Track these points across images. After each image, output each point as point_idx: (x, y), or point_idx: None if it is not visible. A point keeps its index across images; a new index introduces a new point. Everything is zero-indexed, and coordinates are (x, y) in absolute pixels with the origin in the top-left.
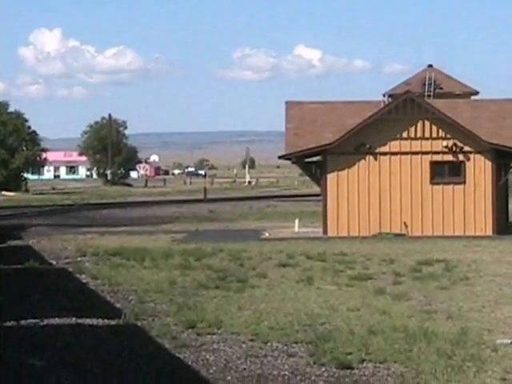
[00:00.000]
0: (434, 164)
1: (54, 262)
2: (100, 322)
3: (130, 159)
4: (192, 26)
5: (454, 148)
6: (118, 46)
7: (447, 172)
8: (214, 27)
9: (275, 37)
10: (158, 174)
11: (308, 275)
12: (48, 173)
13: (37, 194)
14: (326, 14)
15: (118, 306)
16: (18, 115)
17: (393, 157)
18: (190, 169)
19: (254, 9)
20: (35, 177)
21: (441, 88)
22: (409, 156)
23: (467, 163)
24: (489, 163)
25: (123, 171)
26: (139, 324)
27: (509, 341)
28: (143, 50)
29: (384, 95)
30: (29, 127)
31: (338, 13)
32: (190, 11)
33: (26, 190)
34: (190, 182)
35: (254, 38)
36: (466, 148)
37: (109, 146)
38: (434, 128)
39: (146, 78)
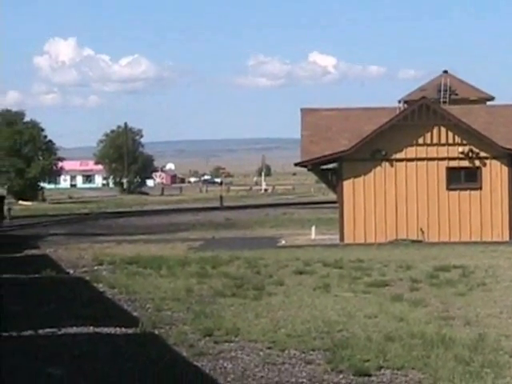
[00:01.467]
0: (450, 170)
1: (71, 271)
2: (117, 330)
3: (146, 167)
4: (206, 33)
5: (470, 154)
6: (133, 54)
7: (463, 178)
8: (228, 35)
9: (289, 44)
10: (174, 182)
11: (325, 282)
12: (64, 182)
13: (53, 203)
14: (339, 20)
15: (135, 314)
16: (34, 124)
17: (409, 163)
18: (206, 177)
19: (267, 16)
20: (52, 186)
21: (456, 94)
22: (425, 162)
23: (483, 169)
24: (505, 168)
25: (139, 180)
26: (156, 332)
27: None
28: (158, 59)
29: (399, 101)
30: (45, 136)
31: (352, 19)
32: (204, 19)
33: (43, 200)
34: (206, 190)
35: (268, 45)
36: (482, 154)
37: (125, 155)
38: (450, 134)
39: (161, 86)
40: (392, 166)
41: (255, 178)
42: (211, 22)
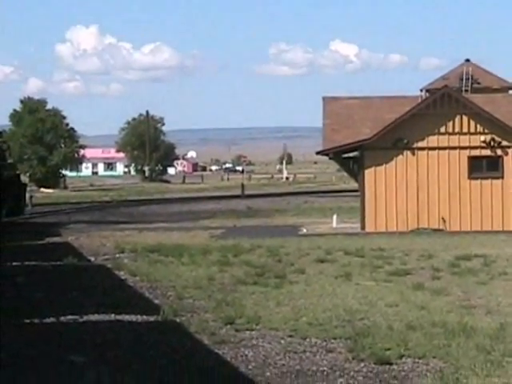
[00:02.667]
0: (471, 159)
1: (93, 259)
2: (139, 318)
3: (168, 155)
4: (228, 21)
5: (491, 143)
6: (155, 42)
7: (485, 167)
8: (249, 22)
9: (311, 32)
10: (196, 171)
11: (346, 271)
12: (86, 170)
13: (75, 190)
14: (361, 8)
15: (156, 302)
16: (56, 112)
17: (430, 152)
18: (228, 165)
19: (288, 4)
20: (73, 174)
21: (478, 83)
22: (447, 151)
23: (505, 158)
24: None
25: (161, 167)
26: (178, 320)
27: None
28: (180, 47)
29: (421, 90)
30: (67, 124)
31: (374, 7)
32: (225, 7)
33: (65, 187)
34: (228, 178)
35: (290, 34)
36: (504, 143)
37: (146, 143)
38: (472, 123)
39: (183, 74)
40: (414, 154)
41: (278, 166)
42: (233, 10)
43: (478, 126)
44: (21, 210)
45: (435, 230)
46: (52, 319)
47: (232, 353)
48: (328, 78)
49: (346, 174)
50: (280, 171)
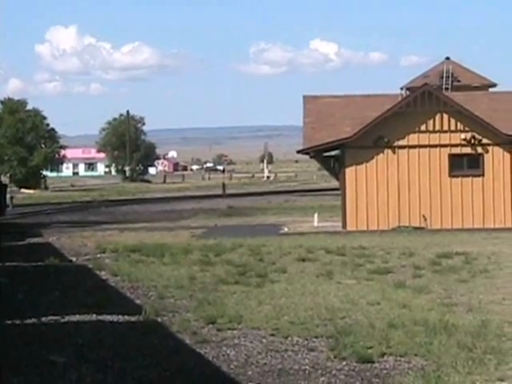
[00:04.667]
0: (452, 157)
1: (74, 259)
2: (120, 318)
3: (149, 155)
4: (208, 20)
5: (472, 140)
6: (134, 42)
7: (466, 164)
8: (229, 22)
9: (290, 31)
10: (177, 170)
11: (327, 269)
12: (67, 170)
13: (56, 191)
14: (340, 7)
15: (138, 302)
16: (37, 113)
17: (411, 150)
18: (209, 164)
19: (268, 3)
20: (54, 174)
21: (458, 81)
22: (427, 149)
23: (486, 155)
24: (507, 155)
25: (142, 167)
26: (159, 320)
27: None
28: (159, 46)
29: (402, 88)
30: (47, 124)
31: (353, 6)
32: (205, 6)
33: (45, 188)
34: (209, 178)
35: (269, 33)
36: (485, 140)
37: (127, 143)
38: (453, 121)
39: (163, 73)
40: (394, 153)
41: (261, 165)
42: (212, 9)
43: (459, 123)
44: (1, 211)
45: (416, 228)
46: (33, 320)
47: (214, 352)
48: (308, 76)
49: (327, 172)
50: (263, 170)
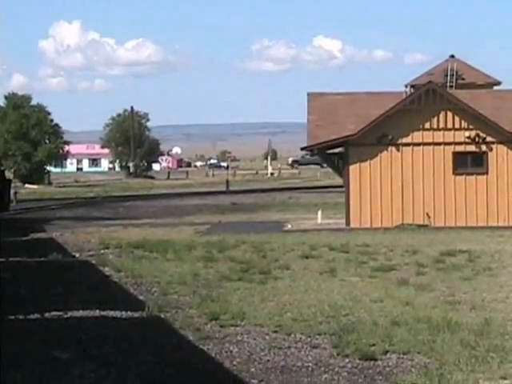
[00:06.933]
0: (456, 155)
1: (77, 255)
2: (123, 314)
3: (153, 151)
4: (211, 17)
5: (476, 138)
6: (138, 38)
7: (470, 162)
8: (233, 19)
9: (294, 28)
10: (181, 166)
11: (331, 267)
12: (71, 165)
13: (60, 186)
14: (344, 3)
15: (141, 298)
16: (41, 108)
17: (415, 148)
18: (213, 161)
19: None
20: (58, 170)
21: (463, 78)
22: (431, 147)
23: (490, 153)
24: (511, 153)
25: (145, 163)
26: (163, 316)
27: None
28: (163, 42)
29: (406, 86)
30: (51, 120)
31: (357, 2)
32: (209, 3)
33: (49, 183)
34: (213, 174)
35: (273, 30)
36: (489, 138)
37: (131, 139)
38: (457, 118)
39: (167, 70)
40: (398, 150)
41: (265, 162)
42: (217, 6)
43: (463, 121)
44: (5, 206)
45: (420, 226)
46: (36, 315)
47: (217, 349)
48: (312, 73)
49: (330, 169)
50: (266, 167)
